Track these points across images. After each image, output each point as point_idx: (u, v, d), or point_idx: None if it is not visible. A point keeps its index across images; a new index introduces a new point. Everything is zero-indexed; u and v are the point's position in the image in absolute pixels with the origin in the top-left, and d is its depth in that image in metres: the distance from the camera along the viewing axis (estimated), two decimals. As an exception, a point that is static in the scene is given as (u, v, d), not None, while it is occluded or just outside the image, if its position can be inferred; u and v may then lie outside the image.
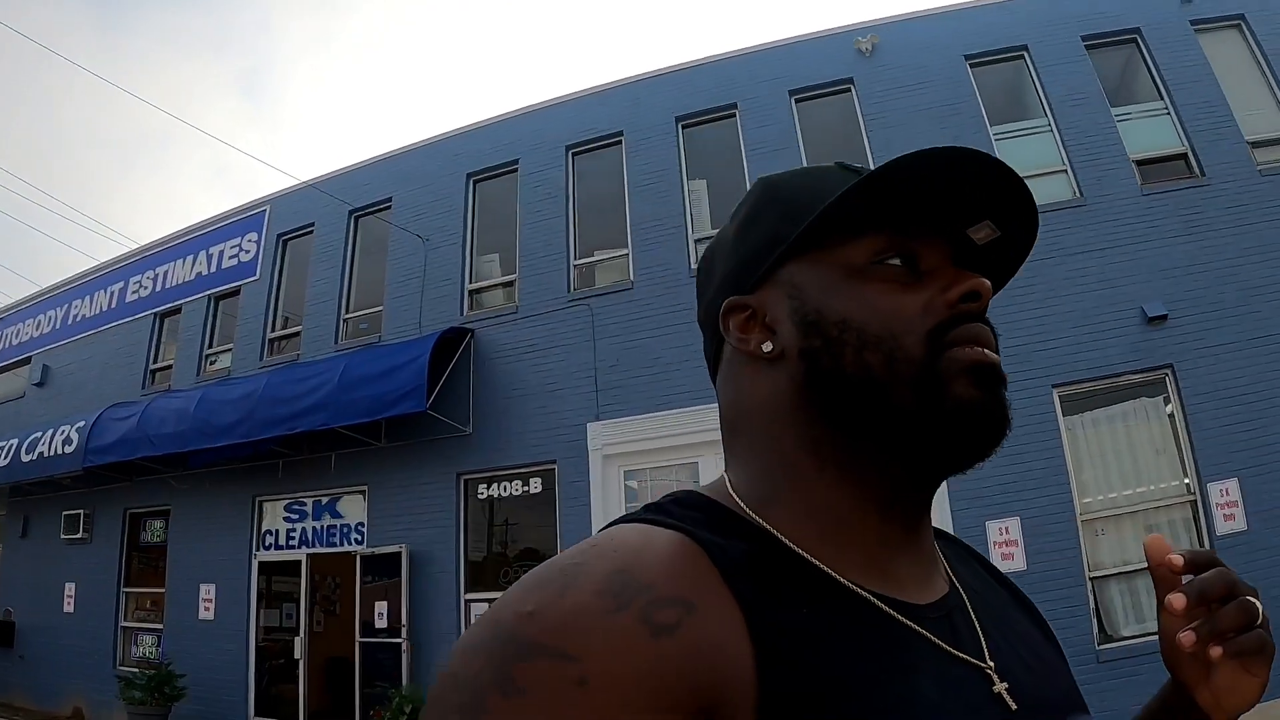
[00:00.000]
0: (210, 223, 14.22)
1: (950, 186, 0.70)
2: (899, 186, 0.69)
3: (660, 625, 0.55)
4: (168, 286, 14.25)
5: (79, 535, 13.28)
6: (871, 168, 0.69)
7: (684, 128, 11.10)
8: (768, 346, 0.73)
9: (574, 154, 11.54)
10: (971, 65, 10.02)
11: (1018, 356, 8.49)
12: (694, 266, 10.15)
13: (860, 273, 0.71)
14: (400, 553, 10.31)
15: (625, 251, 10.73)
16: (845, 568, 0.68)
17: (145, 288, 14.52)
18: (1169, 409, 8.23)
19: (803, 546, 0.68)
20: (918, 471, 0.71)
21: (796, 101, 10.67)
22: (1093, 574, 7.83)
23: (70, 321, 15.43)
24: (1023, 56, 9.92)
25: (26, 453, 12.90)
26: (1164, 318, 8.29)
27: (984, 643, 0.72)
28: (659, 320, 9.96)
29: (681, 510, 0.69)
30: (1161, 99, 9.41)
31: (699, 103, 11.03)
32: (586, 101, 11.69)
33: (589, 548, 0.62)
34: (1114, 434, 8.33)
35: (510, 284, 11.33)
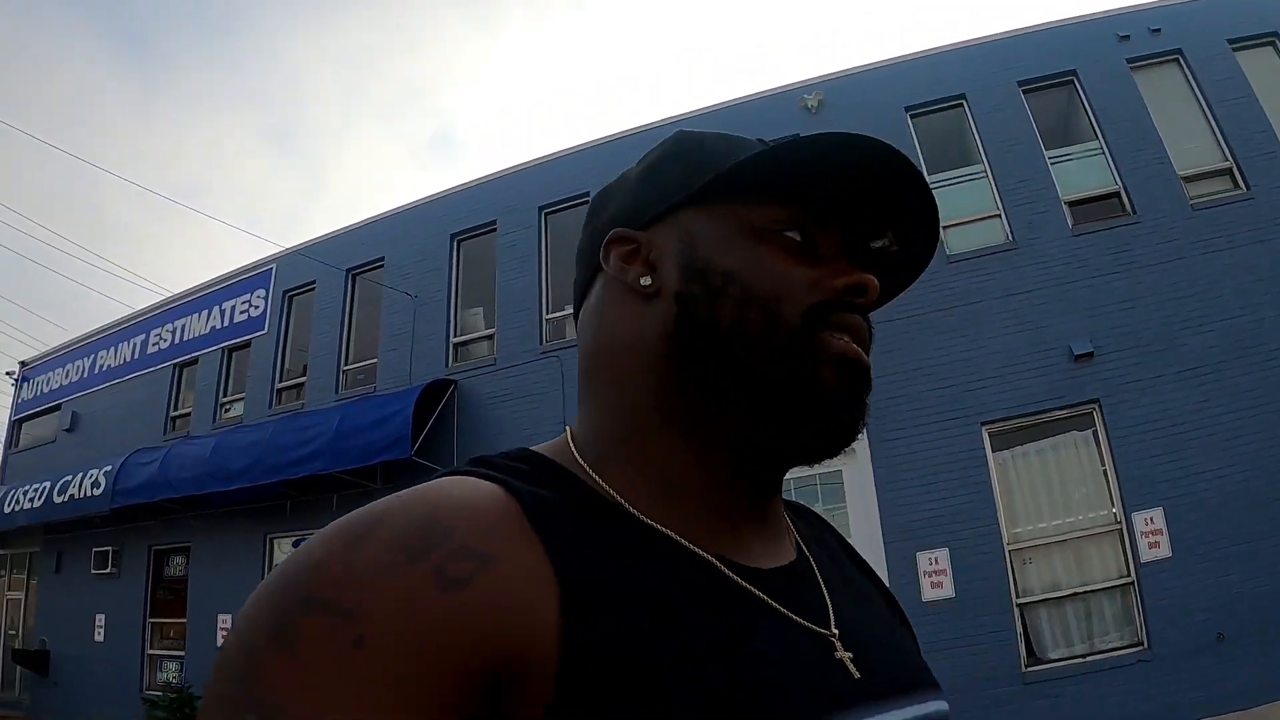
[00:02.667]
0: (223, 279, 14.90)
1: (864, 182, 0.70)
2: (812, 164, 0.68)
3: (452, 578, 0.52)
4: (185, 339, 14.94)
5: (108, 570, 13.94)
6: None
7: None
8: (646, 280, 0.71)
9: (546, 214, 12.03)
10: (912, 116, 10.30)
11: (948, 396, 8.79)
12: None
13: (757, 234, 0.70)
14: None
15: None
16: (680, 527, 0.66)
17: (165, 340, 15.24)
18: (1096, 442, 8.41)
19: (635, 504, 0.66)
20: (763, 448, 0.69)
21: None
22: (1020, 600, 8.01)
23: (97, 371, 16.20)
24: (961, 105, 10.17)
25: (59, 494, 13.59)
26: (1090, 355, 8.48)
27: (830, 612, 0.70)
28: None
29: (507, 463, 0.67)
30: (1096, 138, 9.58)
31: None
32: (559, 163, 12.17)
33: (399, 497, 0.59)
34: (1044, 467, 8.52)
35: (492, 336, 11.82)
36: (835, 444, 0.69)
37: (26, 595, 16.16)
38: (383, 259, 13.00)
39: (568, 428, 0.75)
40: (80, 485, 13.32)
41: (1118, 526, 8.04)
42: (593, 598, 0.56)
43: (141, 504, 12.59)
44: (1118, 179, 9.31)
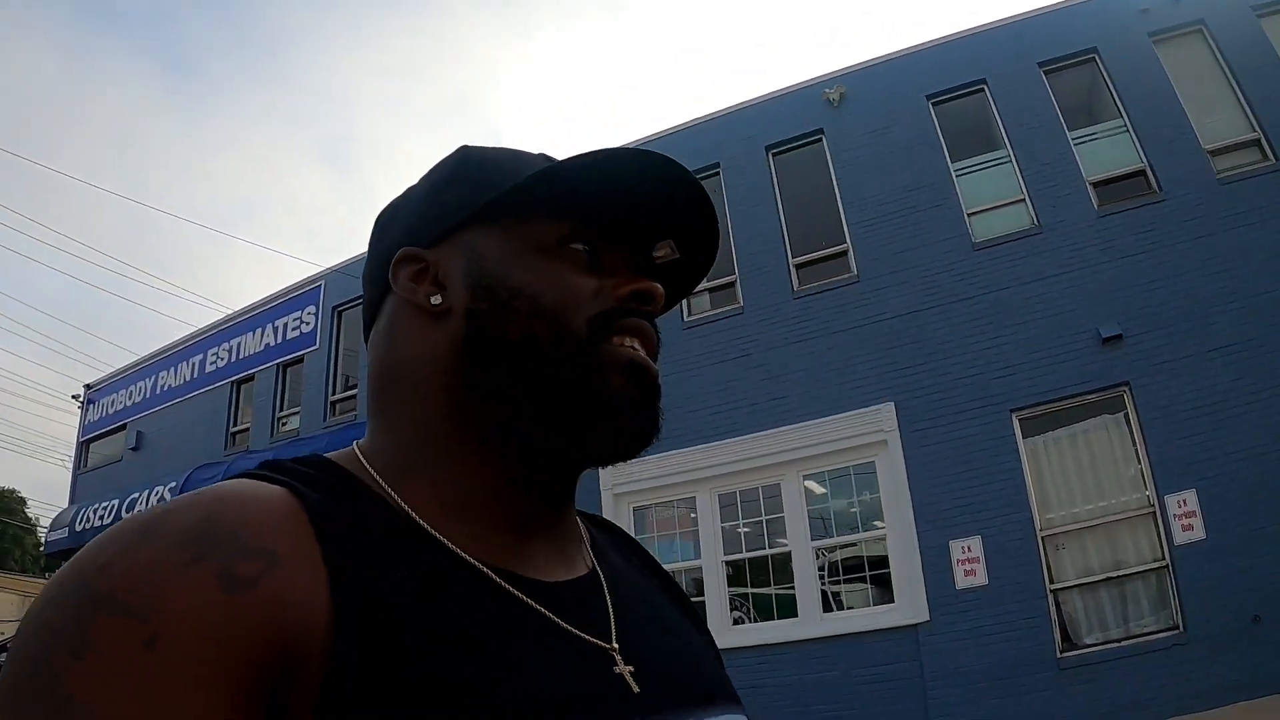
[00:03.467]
0: (274, 298, 15.41)
1: (643, 194, 0.72)
2: (592, 180, 0.70)
3: (238, 579, 0.52)
4: (241, 356, 15.49)
5: (177, 583, 14.53)
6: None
7: (673, 185, 11.67)
8: (436, 300, 0.71)
9: None
10: (934, 104, 10.30)
11: (977, 384, 8.81)
12: (685, 319, 10.72)
13: (542, 250, 0.71)
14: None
15: None
16: (465, 539, 0.66)
17: (222, 358, 15.82)
18: (1127, 425, 8.36)
19: (421, 514, 0.66)
20: (557, 454, 0.70)
21: (773, 156, 11.15)
22: (1054, 586, 8.03)
23: (159, 390, 16.88)
24: (983, 89, 10.14)
25: (127, 510, 14.17)
26: (1119, 337, 8.44)
27: (614, 625, 0.70)
28: None
29: (296, 468, 0.66)
30: (1120, 116, 9.50)
31: (688, 165, 11.55)
32: None
33: (184, 498, 0.58)
34: (1075, 452, 8.51)
35: None
36: (626, 448, 0.71)
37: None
38: None
39: (355, 443, 0.74)
40: (147, 501, 13.88)
41: (1151, 509, 8.01)
42: (361, 607, 0.56)
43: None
44: (1142, 156, 9.21)
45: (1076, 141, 9.54)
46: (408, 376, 0.72)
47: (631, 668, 0.67)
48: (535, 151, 0.78)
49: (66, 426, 19.42)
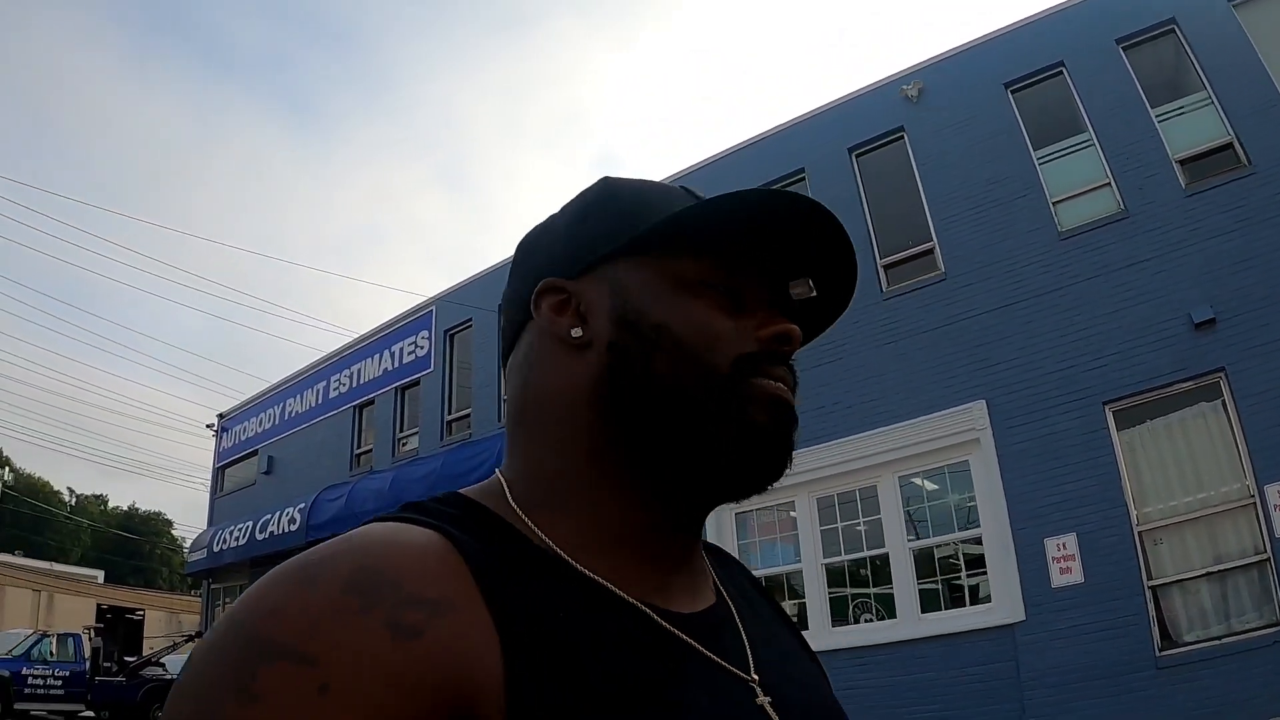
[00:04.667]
0: (390, 324, 16.52)
1: (787, 234, 0.74)
2: (739, 219, 0.72)
3: (406, 627, 0.53)
4: (362, 381, 16.69)
5: (309, 600, 15.93)
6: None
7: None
8: (578, 332, 0.72)
9: None
10: (1013, 92, 10.33)
11: (1067, 377, 8.88)
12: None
13: (686, 287, 0.72)
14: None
15: None
16: (612, 574, 0.67)
17: (344, 384, 17.06)
18: (1224, 413, 8.28)
19: (568, 551, 0.67)
20: (698, 488, 0.72)
21: (856, 157, 11.40)
22: (1152, 582, 8.06)
23: (287, 417, 18.32)
24: (1061, 72, 10.10)
25: (260, 531, 15.62)
26: (1211, 321, 8.36)
27: (750, 656, 0.72)
28: None
29: (439, 508, 0.67)
30: (1204, 88, 9.34)
31: (771, 173, 11.95)
32: (682, 180, 12.85)
33: (338, 543, 0.59)
34: (1171, 442, 8.49)
35: None
36: (763, 479, 0.72)
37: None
38: (470, 320, 14.38)
39: (498, 471, 0.75)
40: (278, 522, 15.22)
41: (1251, 500, 7.94)
42: (531, 649, 0.57)
43: (332, 536, 14.28)
44: (1229, 129, 9.05)
45: (1160, 118, 9.43)
46: (548, 408, 0.73)
47: (769, 698, 0.69)
48: (676, 186, 0.80)
49: (207, 453, 21.06)
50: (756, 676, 0.70)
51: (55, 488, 67.16)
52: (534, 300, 0.75)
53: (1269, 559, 7.70)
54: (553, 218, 0.82)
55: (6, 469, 54.17)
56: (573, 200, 0.81)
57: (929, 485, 9.77)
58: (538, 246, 0.80)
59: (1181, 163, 9.19)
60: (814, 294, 0.77)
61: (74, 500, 68.89)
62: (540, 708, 0.55)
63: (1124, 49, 9.79)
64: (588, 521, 0.70)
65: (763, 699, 0.69)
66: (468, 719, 0.53)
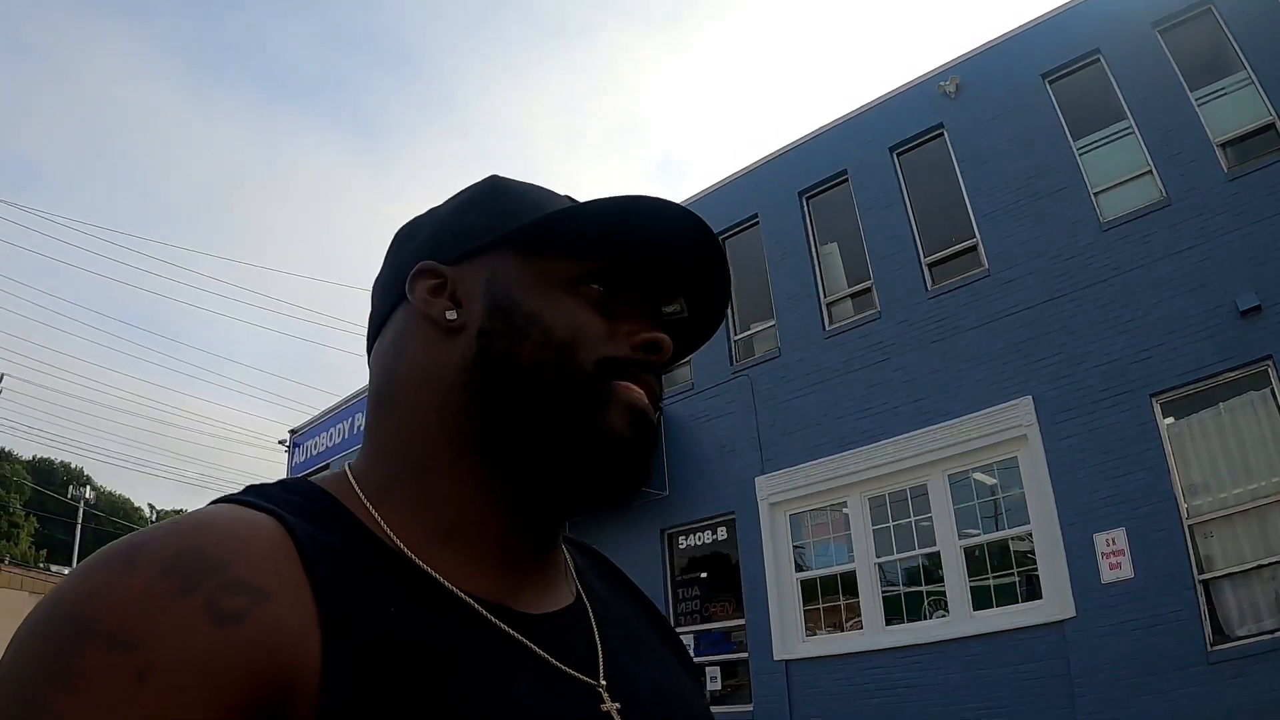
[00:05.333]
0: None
1: (664, 246, 0.75)
2: (620, 226, 0.73)
3: (227, 612, 0.53)
4: None
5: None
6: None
7: (807, 200, 12.30)
8: (452, 315, 0.73)
9: (723, 240, 13.12)
10: (1050, 82, 10.35)
11: (1113, 370, 8.93)
12: (826, 328, 11.30)
13: (561, 285, 0.73)
14: (620, 602, 12.34)
15: (772, 322, 12.20)
16: (452, 570, 0.67)
17: (406, 397, 17.54)
18: (1274, 400, 8.25)
19: (410, 544, 0.67)
20: (552, 491, 0.72)
21: (897, 156, 11.54)
22: (1203, 576, 8.09)
23: (356, 432, 18.88)
24: (1098, 59, 10.08)
25: None
26: (1257, 309, 8.32)
27: (601, 659, 0.72)
28: (803, 381, 11.30)
29: (281, 494, 0.66)
30: (1243, 67, 9.25)
31: (816, 175, 12.21)
32: (722, 192, 13.32)
33: (168, 524, 0.58)
34: (1220, 433, 8.48)
35: (689, 362, 13.03)
36: (616, 489, 0.73)
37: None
38: None
39: (346, 464, 0.75)
40: None
41: (1304, 489, 7.92)
42: (351, 643, 0.56)
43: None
44: (1270, 109, 8.95)
45: (1200, 101, 9.36)
46: (411, 389, 0.73)
47: (618, 704, 0.69)
48: (562, 193, 0.81)
49: (283, 468, 21.88)
50: (605, 681, 0.70)
51: (136, 504, 70.03)
52: (410, 281, 0.75)
53: (1321, 550, 7.70)
54: (435, 208, 0.83)
55: (88, 487, 56.52)
56: (458, 193, 0.82)
57: (987, 480, 9.87)
58: (417, 233, 0.81)
59: (1223, 146, 9.13)
60: (685, 314, 0.80)
61: (154, 515, 71.57)
62: (352, 703, 0.55)
63: (1160, 32, 9.74)
64: (438, 517, 0.70)
65: (609, 705, 0.68)
66: (283, 708, 0.53)
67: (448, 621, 0.64)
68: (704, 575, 12.28)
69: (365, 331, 0.83)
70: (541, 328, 0.71)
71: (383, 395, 0.76)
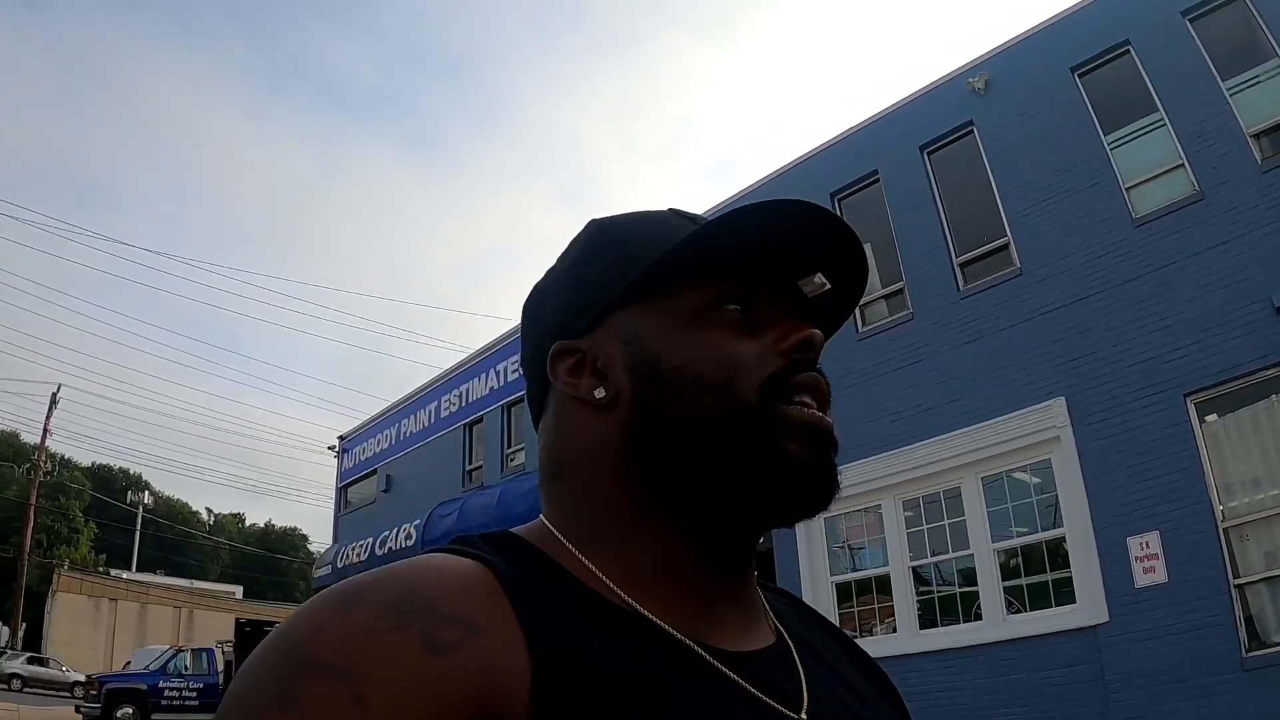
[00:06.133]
0: (495, 343, 17.60)
1: (782, 239, 0.73)
2: (731, 238, 0.72)
3: (440, 644, 0.56)
4: (471, 400, 17.79)
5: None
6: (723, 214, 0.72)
7: (839, 201, 12.38)
8: (600, 393, 0.72)
9: None
10: (1079, 76, 10.26)
11: (1147, 369, 8.88)
12: (860, 330, 11.35)
13: (696, 319, 0.72)
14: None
15: None
16: (657, 609, 0.68)
17: (454, 403, 18.16)
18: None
19: (615, 584, 0.69)
20: (740, 521, 0.72)
21: (928, 155, 11.54)
22: (1238, 580, 8.02)
23: (403, 436, 19.59)
24: (1128, 51, 9.97)
25: (380, 547, 16.81)
26: (1294, 304, 8.25)
27: (805, 695, 0.72)
28: (837, 384, 11.26)
29: (486, 544, 0.69)
30: (1276, 54, 9.08)
31: (847, 176, 12.27)
32: (754, 196, 13.42)
33: (385, 570, 0.63)
34: (1257, 433, 8.39)
35: None
36: (809, 509, 0.72)
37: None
38: None
39: (542, 515, 0.77)
40: (396, 538, 16.34)
41: (1345, 488, 7.83)
42: (562, 675, 0.58)
43: (444, 550, 15.44)
44: (1307, 95, 8.83)
45: (1232, 91, 9.22)
46: (580, 467, 0.74)
47: None
48: (664, 209, 0.81)
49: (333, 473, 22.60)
50: (805, 717, 0.69)
51: (194, 508, 71.71)
52: (550, 367, 0.75)
53: (1360, 552, 7.61)
54: (551, 270, 0.83)
55: (146, 493, 57.95)
56: (567, 250, 0.82)
57: (1031, 479, 9.84)
58: (544, 303, 0.81)
59: (1256, 137, 8.99)
60: (828, 286, 0.77)
61: (212, 520, 73.23)
62: None
63: (1190, 20, 9.60)
64: (629, 560, 0.70)
65: None
66: None
67: (654, 654, 0.65)
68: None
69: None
70: (692, 376, 0.70)
71: (556, 470, 0.77)
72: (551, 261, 0.83)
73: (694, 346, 0.71)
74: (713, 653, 0.67)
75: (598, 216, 0.82)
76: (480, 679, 0.56)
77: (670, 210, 0.80)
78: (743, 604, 0.76)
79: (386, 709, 0.53)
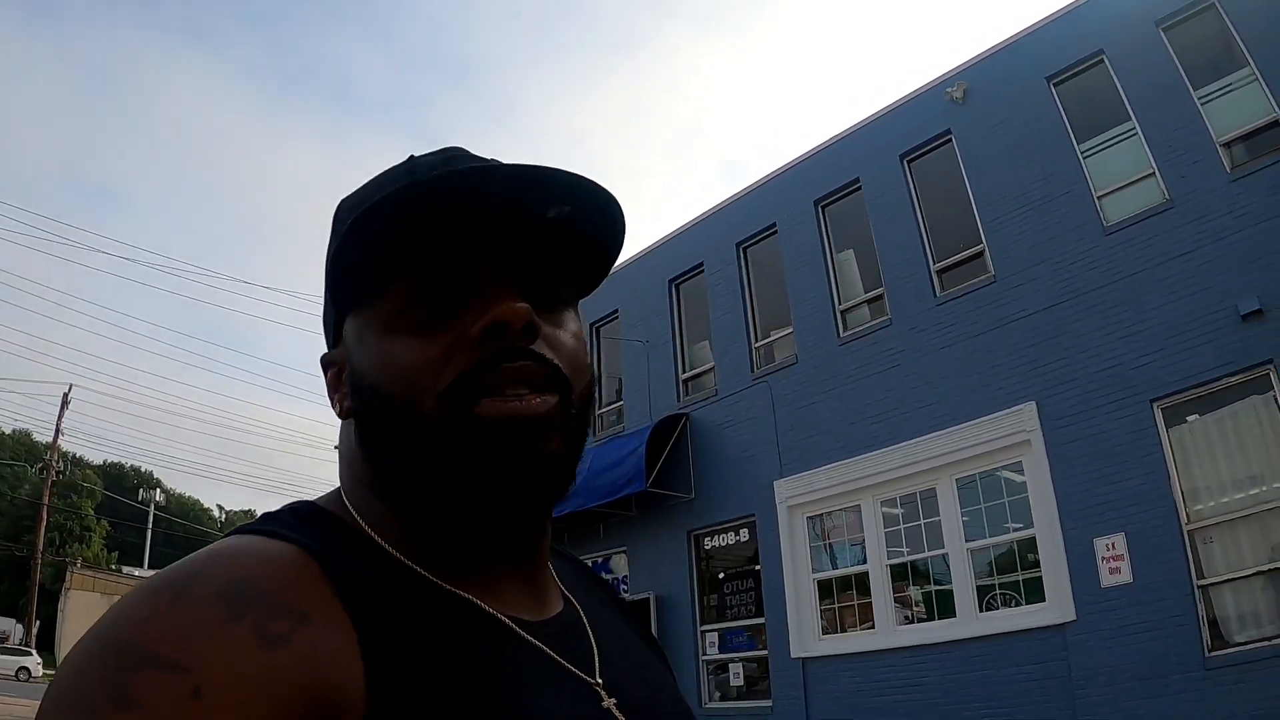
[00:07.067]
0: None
1: (461, 209, 0.67)
2: (397, 223, 0.66)
3: (273, 635, 0.55)
4: None
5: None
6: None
7: (823, 208, 12.62)
8: (345, 404, 0.74)
9: (744, 249, 13.65)
10: (1054, 85, 10.45)
11: (1115, 375, 9.07)
12: (841, 335, 11.64)
13: (387, 325, 0.69)
14: (649, 599, 13.00)
15: (790, 329, 12.65)
16: (458, 583, 0.70)
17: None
18: (1276, 405, 8.29)
19: (415, 563, 0.69)
20: (471, 523, 0.70)
21: (908, 163, 11.76)
22: (1202, 581, 8.19)
23: None
24: (1101, 60, 10.14)
25: None
26: (1259, 312, 8.32)
27: (596, 659, 0.75)
28: (819, 388, 11.69)
29: (297, 521, 0.69)
30: (1247, 63, 9.22)
31: (830, 184, 12.51)
32: (742, 202, 13.74)
33: (206, 556, 0.62)
34: (1222, 438, 8.56)
35: (711, 368, 13.61)
36: (519, 505, 0.69)
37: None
38: (617, 311, 15.19)
39: (341, 488, 0.76)
40: None
41: (1307, 494, 7.95)
42: (391, 660, 0.59)
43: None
44: (1275, 105, 8.93)
45: (1204, 100, 9.38)
46: (350, 468, 0.75)
47: (614, 700, 0.72)
48: (404, 160, 0.75)
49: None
50: (601, 680, 0.73)
51: (205, 505, 72.16)
52: (325, 377, 0.77)
53: (1321, 554, 7.76)
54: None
55: (158, 491, 58.37)
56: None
57: (1017, 478, 10.00)
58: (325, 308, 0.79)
59: (1226, 145, 9.15)
60: (568, 209, 0.70)
61: (224, 517, 73.69)
62: (398, 712, 0.58)
63: (1164, 30, 9.76)
64: (417, 548, 0.70)
65: (608, 701, 0.72)
66: None
67: (475, 630, 0.67)
68: (728, 575, 12.74)
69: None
70: (379, 394, 0.68)
71: (345, 459, 0.77)
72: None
73: (380, 360, 0.68)
74: (523, 625, 0.71)
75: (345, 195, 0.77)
76: (315, 670, 0.56)
77: (408, 161, 0.75)
78: (531, 575, 0.77)
79: (226, 701, 0.52)
